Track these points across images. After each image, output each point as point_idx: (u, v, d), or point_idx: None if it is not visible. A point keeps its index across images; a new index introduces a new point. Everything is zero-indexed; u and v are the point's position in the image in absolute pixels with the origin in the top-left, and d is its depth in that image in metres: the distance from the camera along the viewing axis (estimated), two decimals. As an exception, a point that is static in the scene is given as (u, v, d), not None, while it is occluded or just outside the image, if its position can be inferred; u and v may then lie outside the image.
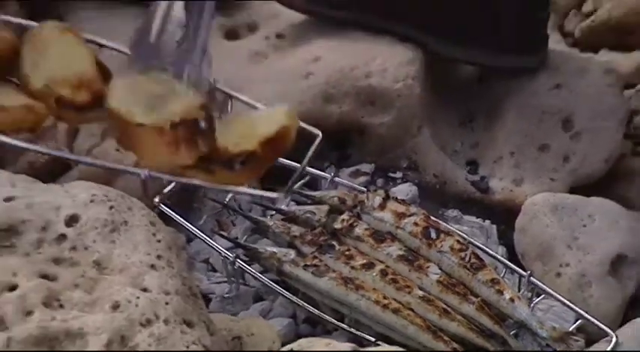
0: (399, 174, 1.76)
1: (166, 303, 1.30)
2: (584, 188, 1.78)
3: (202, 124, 1.57)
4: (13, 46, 1.72)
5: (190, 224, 1.68)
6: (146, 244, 1.36)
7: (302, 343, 1.39)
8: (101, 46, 1.80)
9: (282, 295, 1.60)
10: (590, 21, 2.06)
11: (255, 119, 1.63)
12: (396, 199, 1.65)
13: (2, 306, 1.24)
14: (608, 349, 1.53)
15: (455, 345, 1.53)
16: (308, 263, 1.57)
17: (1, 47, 1.68)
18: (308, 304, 1.57)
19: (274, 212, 1.71)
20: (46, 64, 1.66)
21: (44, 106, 1.62)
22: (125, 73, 1.68)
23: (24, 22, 1.87)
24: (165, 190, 1.75)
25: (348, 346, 1.34)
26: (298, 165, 1.66)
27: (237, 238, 1.69)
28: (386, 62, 1.79)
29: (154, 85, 1.67)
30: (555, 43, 1.94)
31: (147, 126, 1.58)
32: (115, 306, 1.26)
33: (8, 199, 1.35)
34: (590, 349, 1.56)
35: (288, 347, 1.38)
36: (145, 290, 1.29)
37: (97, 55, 1.72)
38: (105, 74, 1.69)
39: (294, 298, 1.58)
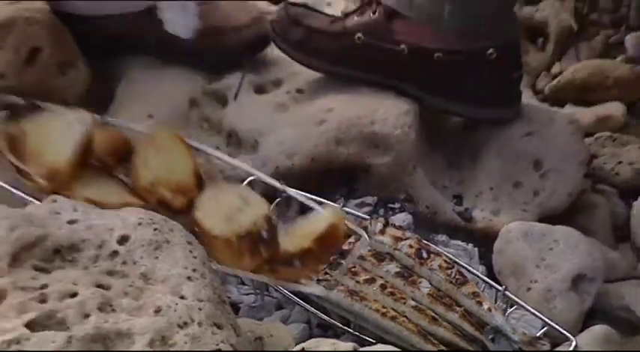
0: (397, 205, 1.75)
1: (199, 309, 1.29)
2: (550, 218, 1.78)
3: (265, 234, 1.56)
4: (126, 145, 1.73)
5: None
6: (184, 259, 1.36)
7: (311, 343, 1.40)
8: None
9: (299, 304, 1.59)
10: (557, 81, 2.08)
11: (309, 220, 1.64)
12: (394, 226, 1.65)
13: (64, 310, 1.24)
14: (570, 349, 1.53)
15: (442, 347, 1.52)
16: (320, 277, 1.57)
17: (117, 145, 1.67)
18: (320, 312, 1.57)
19: None
20: (155, 165, 1.66)
21: (142, 205, 1.59)
22: (212, 184, 1.67)
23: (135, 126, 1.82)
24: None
25: (350, 345, 1.35)
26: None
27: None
28: (387, 113, 1.78)
29: (234, 197, 1.66)
30: (528, 98, 1.94)
31: (219, 237, 1.60)
32: (158, 311, 1.25)
33: (71, 222, 1.35)
34: (555, 351, 1.55)
35: (299, 347, 1.39)
36: (182, 297, 1.27)
37: (196, 164, 1.70)
38: (200, 182, 1.68)
39: (308, 307, 1.58)
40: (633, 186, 1.87)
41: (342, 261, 1.62)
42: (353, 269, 1.60)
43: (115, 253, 1.32)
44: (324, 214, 1.63)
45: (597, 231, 1.79)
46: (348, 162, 1.77)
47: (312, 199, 1.74)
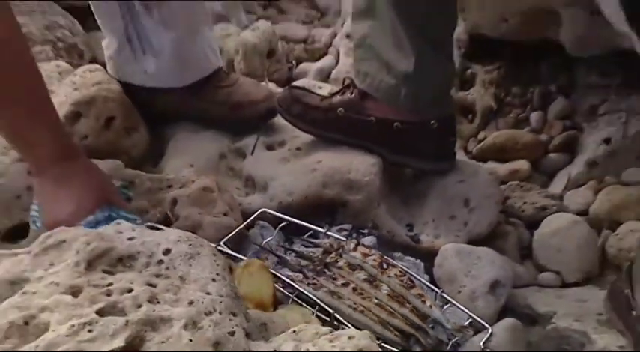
0: (366, 231, 1.73)
1: (220, 302, 1.31)
2: (475, 241, 1.78)
3: None
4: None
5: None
6: (210, 266, 1.38)
7: (300, 327, 1.37)
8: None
9: (294, 301, 1.59)
10: (481, 144, 2.07)
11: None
12: (364, 245, 1.65)
13: (123, 301, 1.28)
14: (487, 335, 1.53)
15: (396, 333, 1.53)
16: (309, 282, 1.59)
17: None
18: (310, 306, 1.56)
19: (291, 252, 1.68)
20: (246, 285, 1.60)
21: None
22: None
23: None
24: (225, 239, 1.68)
25: (327, 329, 1.33)
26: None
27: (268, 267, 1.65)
28: (359, 165, 1.78)
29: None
30: (461, 156, 1.95)
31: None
32: (190, 303, 1.28)
33: (130, 239, 1.37)
34: (476, 336, 1.55)
35: (291, 330, 1.38)
36: (208, 293, 1.30)
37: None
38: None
39: (302, 303, 1.58)
40: (534, 220, 1.87)
41: (325, 270, 1.62)
42: (333, 276, 1.61)
43: (160, 261, 1.36)
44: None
45: (508, 251, 1.81)
46: (331, 200, 1.77)
47: (304, 226, 1.73)
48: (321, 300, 1.57)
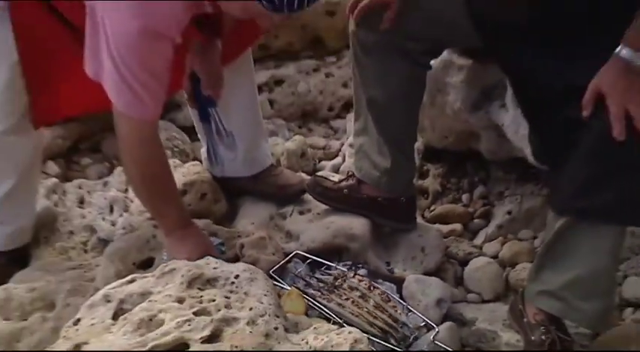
0: (360, 266, 1.70)
1: (269, 308, 1.33)
2: (428, 273, 1.75)
3: None
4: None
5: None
6: (263, 286, 1.40)
7: (318, 325, 1.40)
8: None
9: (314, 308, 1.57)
10: (432, 213, 2.05)
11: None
12: (359, 275, 1.64)
13: (209, 307, 1.32)
14: (435, 333, 1.53)
15: (378, 330, 1.51)
16: (324, 297, 1.58)
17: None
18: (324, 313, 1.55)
19: (314, 278, 1.66)
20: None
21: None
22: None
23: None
24: (272, 269, 1.66)
25: (335, 327, 1.38)
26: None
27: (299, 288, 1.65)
28: (357, 224, 1.76)
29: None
30: (420, 220, 1.93)
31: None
32: (250, 309, 1.32)
33: (214, 268, 1.41)
34: (428, 333, 1.55)
35: (312, 327, 1.38)
36: (261, 303, 1.32)
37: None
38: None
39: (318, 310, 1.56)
40: (465, 261, 1.84)
41: (335, 290, 1.60)
42: (339, 294, 1.59)
43: (232, 283, 1.39)
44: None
45: (448, 280, 1.77)
46: (339, 246, 1.74)
47: (322, 261, 1.71)
48: (331, 309, 1.56)
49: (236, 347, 1.22)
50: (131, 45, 1.32)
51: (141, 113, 1.42)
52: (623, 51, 1.28)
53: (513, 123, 1.74)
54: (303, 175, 1.97)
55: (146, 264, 1.67)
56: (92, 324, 1.31)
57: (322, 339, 1.29)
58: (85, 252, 1.82)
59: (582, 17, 1.39)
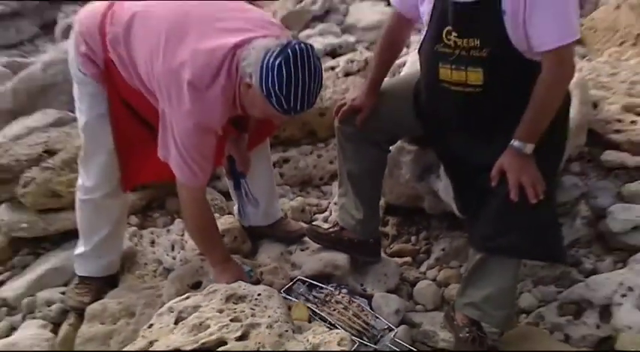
0: (343, 286, 1.68)
1: (281, 317, 1.34)
2: (389, 292, 1.72)
3: None
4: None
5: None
6: (277, 301, 1.40)
7: (315, 327, 1.40)
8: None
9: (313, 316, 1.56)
10: (392, 250, 1.95)
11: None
12: (342, 293, 1.65)
13: (241, 315, 1.33)
14: (394, 333, 1.53)
15: (355, 331, 1.51)
16: (319, 308, 1.58)
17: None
18: (321, 320, 1.54)
19: (312, 295, 1.64)
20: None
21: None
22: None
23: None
24: (282, 289, 1.62)
25: (327, 329, 1.39)
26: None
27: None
28: (340, 258, 1.73)
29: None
30: (383, 254, 1.85)
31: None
32: (269, 317, 1.33)
33: (244, 288, 1.42)
34: (390, 333, 1.54)
35: (311, 329, 1.38)
36: (276, 312, 1.34)
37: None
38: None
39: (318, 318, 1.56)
40: (414, 283, 1.80)
41: (326, 303, 1.60)
42: (329, 306, 1.59)
43: (256, 299, 1.39)
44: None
45: (403, 296, 1.75)
46: (328, 273, 1.73)
47: (317, 284, 1.68)
48: (323, 317, 1.55)
49: (259, 343, 1.25)
50: (189, 136, 1.35)
51: (194, 182, 1.45)
52: (515, 142, 1.34)
53: (445, 189, 1.73)
54: (303, 224, 1.95)
55: (196, 286, 1.66)
56: (160, 327, 1.34)
57: (318, 338, 1.32)
58: (155, 277, 1.81)
59: (491, 118, 1.41)
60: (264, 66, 1.22)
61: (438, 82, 1.40)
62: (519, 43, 1.27)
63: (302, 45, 1.24)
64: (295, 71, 1.21)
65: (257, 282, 1.59)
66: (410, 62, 2.00)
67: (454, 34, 1.32)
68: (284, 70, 1.21)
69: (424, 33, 1.43)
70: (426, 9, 1.38)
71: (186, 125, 1.33)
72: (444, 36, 1.34)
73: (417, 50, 1.52)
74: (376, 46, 1.63)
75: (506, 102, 1.35)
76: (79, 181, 1.63)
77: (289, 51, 1.21)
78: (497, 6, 1.24)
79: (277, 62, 1.21)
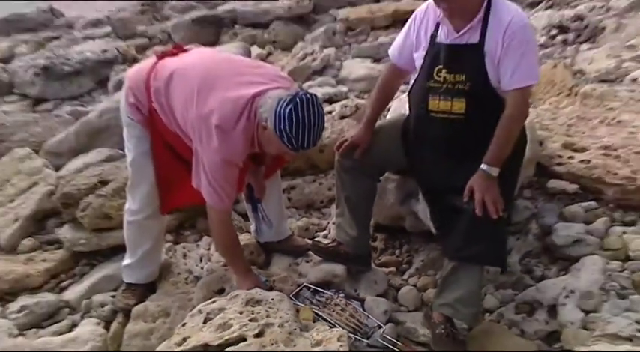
0: (340, 292, 1.64)
1: (291, 317, 1.32)
2: (379, 295, 1.69)
3: None
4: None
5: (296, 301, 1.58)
6: (287, 304, 1.38)
7: (318, 326, 1.37)
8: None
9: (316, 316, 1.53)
10: (380, 261, 1.88)
11: None
12: (340, 297, 1.62)
13: (257, 316, 1.31)
14: (383, 329, 1.50)
15: (351, 329, 1.50)
16: (321, 310, 1.56)
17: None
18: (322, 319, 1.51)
19: (315, 298, 1.62)
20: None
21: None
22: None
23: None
24: (291, 294, 1.58)
25: (328, 327, 1.36)
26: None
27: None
28: (338, 269, 1.70)
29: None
30: (373, 265, 1.80)
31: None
32: (280, 317, 1.31)
33: (260, 294, 1.40)
34: (380, 330, 1.50)
35: (315, 328, 1.34)
36: (286, 314, 1.33)
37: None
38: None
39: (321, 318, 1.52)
40: (398, 288, 1.76)
41: (327, 305, 1.58)
42: (330, 307, 1.58)
43: (270, 302, 1.38)
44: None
45: (389, 299, 1.72)
46: (329, 281, 1.70)
47: (319, 290, 1.64)
48: (325, 317, 1.52)
49: (273, 339, 1.25)
50: (217, 169, 1.37)
51: (221, 206, 1.45)
52: (483, 166, 1.35)
53: (422, 212, 1.72)
54: (307, 240, 1.92)
55: (221, 291, 1.63)
56: (192, 326, 1.33)
57: (321, 335, 1.31)
58: (187, 284, 1.78)
59: (470, 141, 1.41)
60: (278, 111, 1.26)
61: (427, 113, 1.42)
62: (493, 79, 1.32)
63: (308, 95, 1.27)
64: (302, 116, 1.25)
65: (271, 289, 1.57)
66: (393, 107, 2.01)
67: (444, 70, 1.36)
68: (293, 115, 1.24)
69: (415, 76, 1.46)
70: (420, 54, 1.42)
71: (214, 159, 1.36)
72: (435, 73, 1.38)
73: (407, 93, 1.55)
74: (373, 92, 1.65)
75: (482, 128, 1.36)
76: (126, 206, 1.64)
77: (298, 99, 1.25)
78: (481, 47, 1.30)
79: (288, 109, 1.25)
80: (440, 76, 1.37)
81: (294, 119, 1.25)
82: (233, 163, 1.38)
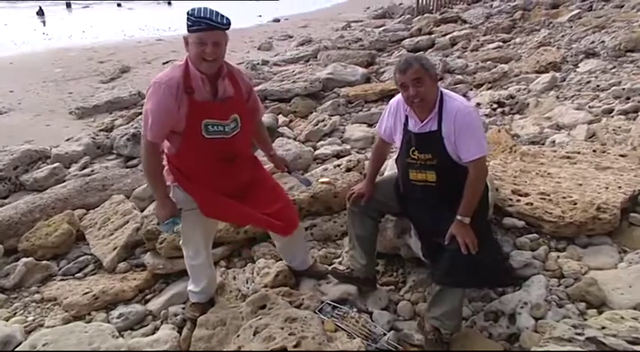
0: (354, 307, 1.63)
1: (319, 330, 1.25)
2: (383, 309, 1.67)
3: None
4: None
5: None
6: (316, 320, 1.35)
7: (340, 336, 1.35)
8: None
9: (338, 328, 1.49)
10: (382, 281, 1.81)
11: None
12: (354, 310, 1.60)
13: (295, 331, 1.27)
14: (387, 336, 1.47)
15: (364, 336, 1.47)
16: (341, 322, 1.53)
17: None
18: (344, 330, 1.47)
19: (336, 312, 1.58)
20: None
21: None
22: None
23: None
24: (317, 309, 1.54)
25: (347, 336, 1.34)
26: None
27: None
28: (351, 287, 1.71)
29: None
30: (378, 285, 1.76)
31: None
32: (312, 332, 1.26)
33: (295, 315, 1.35)
34: (385, 337, 1.49)
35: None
36: (317, 328, 1.27)
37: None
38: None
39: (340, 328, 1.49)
40: (397, 302, 1.71)
41: (345, 318, 1.55)
42: (346, 320, 1.54)
43: (304, 320, 1.33)
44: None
45: (391, 312, 1.65)
46: (345, 298, 1.65)
47: (338, 305, 1.58)
48: (344, 328, 1.49)
49: (308, 349, 1.26)
50: (148, 96, 1.28)
51: (146, 134, 1.31)
52: (458, 217, 1.38)
53: (414, 243, 1.71)
54: (327, 267, 1.88)
55: (263, 307, 1.58)
56: (244, 337, 1.36)
57: (344, 346, 1.33)
58: (237, 300, 1.76)
59: (442, 201, 1.45)
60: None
61: (409, 181, 1.50)
62: (453, 155, 1.39)
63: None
64: (200, 6, 1.19)
65: (298, 306, 1.54)
66: (389, 166, 2.08)
67: (417, 151, 1.43)
68: (195, 7, 1.19)
69: (398, 150, 1.53)
70: (398, 137, 1.50)
71: (149, 89, 1.27)
72: (410, 153, 1.45)
73: (394, 159, 1.61)
74: (371, 155, 1.71)
75: (451, 191, 1.41)
76: (184, 253, 1.62)
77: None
78: (440, 134, 1.37)
79: (191, 8, 1.20)
80: (415, 155, 1.44)
81: (195, 7, 1.22)
82: (162, 85, 1.24)
